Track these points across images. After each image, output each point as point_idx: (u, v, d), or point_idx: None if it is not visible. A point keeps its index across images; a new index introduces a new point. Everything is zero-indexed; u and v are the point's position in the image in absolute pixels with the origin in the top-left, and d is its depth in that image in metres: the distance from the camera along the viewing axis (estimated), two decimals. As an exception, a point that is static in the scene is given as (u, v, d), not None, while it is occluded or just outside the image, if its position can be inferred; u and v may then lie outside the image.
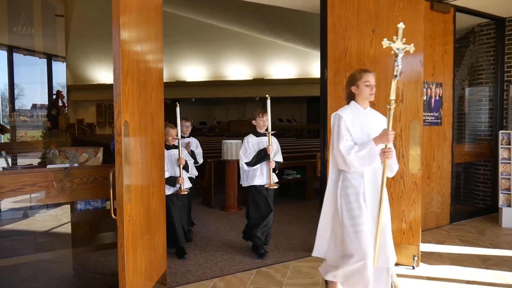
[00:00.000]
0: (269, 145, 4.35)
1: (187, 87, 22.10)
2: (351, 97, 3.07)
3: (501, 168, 5.72)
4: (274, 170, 4.44)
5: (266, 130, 4.42)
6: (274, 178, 4.47)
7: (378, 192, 2.89)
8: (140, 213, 2.95)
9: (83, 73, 23.00)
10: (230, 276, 3.86)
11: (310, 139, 14.50)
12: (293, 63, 20.43)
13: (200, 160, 5.21)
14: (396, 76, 2.81)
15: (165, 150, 4.28)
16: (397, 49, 2.82)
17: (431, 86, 5.42)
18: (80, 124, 19.74)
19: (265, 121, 4.46)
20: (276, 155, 4.49)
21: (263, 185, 4.43)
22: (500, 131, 5.83)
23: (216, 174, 6.96)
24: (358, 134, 2.92)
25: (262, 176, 4.43)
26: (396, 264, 4.12)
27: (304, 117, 23.32)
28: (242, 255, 4.44)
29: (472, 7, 5.77)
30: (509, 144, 5.68)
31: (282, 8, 5.80)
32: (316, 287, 3.63)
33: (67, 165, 3.50)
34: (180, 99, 23.24)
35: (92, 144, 10.92)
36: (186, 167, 4.57)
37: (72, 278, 3.86)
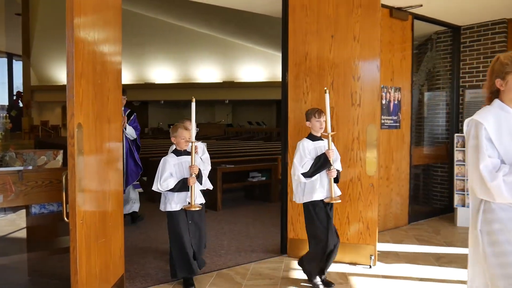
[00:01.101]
0: (329, 149, 3.59)
1: (156, 89, 21.91)
2: (495, 93, 2.15)
3: (456, 169, 5.94)
4: (336, 180, 3.71)
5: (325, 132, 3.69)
6: (337, 190, 3.69)
7: None
8: (94, 216, 2.92)
9: (48, 73, 22.45)
10: (190, 279, 3.86)
11: (279, 142, 14.64)
12: (262, 66, 20.58)
13: (209, 167, 4.20)
14: None
15: (174, 156, 3.69)
16: None
17: (390, 90, 5.59)
18: (44, 126, 19.24)
19: (323, 123, 3.69)
20: (336, 162, 3.70)
21: (323, 200, 3.65)
22: (456, 134, 6.07)
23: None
24: (507, 148, 2.04)
25: (323, 189, 3.64)
26: (353, 264, 4.23)
27: (273, 120, 23.51)
28: (203, 257, 4.43)
29: (429, 15, 5.99)
30: (464, 147, 5.91)
31: (252, 12, 5.85)
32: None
33: (21, 167, 3.42)
34: (149, 101, 23.05)
35: (56, 146, 10.66)
36: (199, 178, 3.70)
37: (27, 284, 3.77)
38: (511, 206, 2.01)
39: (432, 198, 6.91)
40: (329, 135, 3.59)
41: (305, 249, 4.43)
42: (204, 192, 3.99)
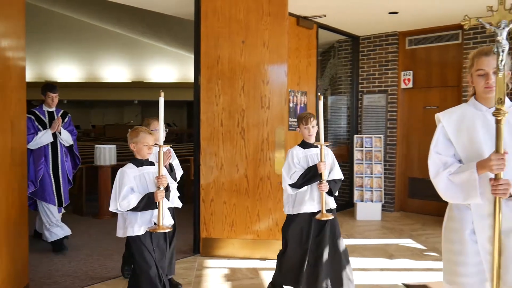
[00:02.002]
0: (321, 161, 3.19)
1: (59, 88, 20.57)
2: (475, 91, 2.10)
3: (355, 168, 6.48)
4: (330, 193, 3.33)
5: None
6: (331, 203, 3.34)
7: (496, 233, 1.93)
8: (-4, 223, 2.76)
9: None
10: (100, 284, 3.77)
11: (191, 143, 14.61)
12: (174, 67, 20.35)
13: (178, 176, 3.73)
14: (500, 69, 1.88)
15: (134, 167, 2.91)
16: (498, 25, 1.89)
17: (297, 94, 5.92)
18: None
19: (311, 129, 3.32)
20: (333, 172, 3.37)
21: (314, 213, 3.26)
22: (355, 135, 6.61)
23: (88, 180, 6.68)
24: (465, 146, 2.01)
25: (313, 201, 3.27)
26: (264, 259, 4.43)
27: (184, 122, 23.33)
28: (114, 262, 4.34)
29: (332, 25, 6.45)
30: (362, 147, 6.47)
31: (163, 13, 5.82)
32: (188, 287, 3.75)
33: None
34: (50, 100, 21.57)
35: None
36: (167, 192, 2.94)
37: None
38: (467, 207, 1.98)
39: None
40: (321, 146, 3.18)
41: (217, 247, 4.57)
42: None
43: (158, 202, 2.77)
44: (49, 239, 4.63)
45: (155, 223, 2.87)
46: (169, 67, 20.50)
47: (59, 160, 4.74)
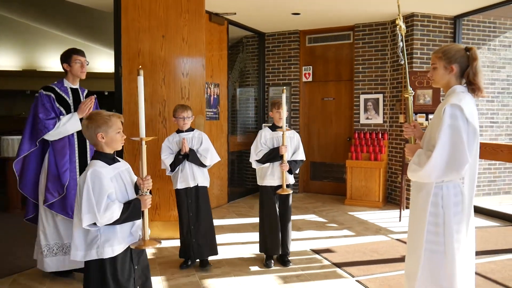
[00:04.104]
0: (282, 144, 3.75)
1: None
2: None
3: (264, 154, 7.09)
4: (290, 172, 3.89)
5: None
6: (290, 180, 3.93)
7: None
8: None
9: None
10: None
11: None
12: (71, 56, 19.31)
13: (209, 159, 3.81)
14: (401, 59, 2.61)
15: (106, 165, 2.23)
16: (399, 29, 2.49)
17: (210, 86, 6.33)
18: None
19: (282, 114, 3.79)
20: (297, 153, 3.92)
21: (275, 187, 3.85)
22: (263, 124, 7.21)
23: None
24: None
25: (273, 177, 3.85)
26: (188, 238, 4.80)
27: (84, 113, 22.26)
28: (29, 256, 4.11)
29: (241, 22, 6.94)
30: (270, 135, 7.10)
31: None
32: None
33: None
34: None
35: None
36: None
37: None
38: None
39: (245, 180, 8.01)
40: (284, 131, 3.72)
41: (143, 230, 4.82)
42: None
43: (143, 211, 2.25)
44: (48, 269, 3.49)
45: (140, 235, 2.29)
46: (66, 56, 19.41)
47: (88, 156, 3.54)
